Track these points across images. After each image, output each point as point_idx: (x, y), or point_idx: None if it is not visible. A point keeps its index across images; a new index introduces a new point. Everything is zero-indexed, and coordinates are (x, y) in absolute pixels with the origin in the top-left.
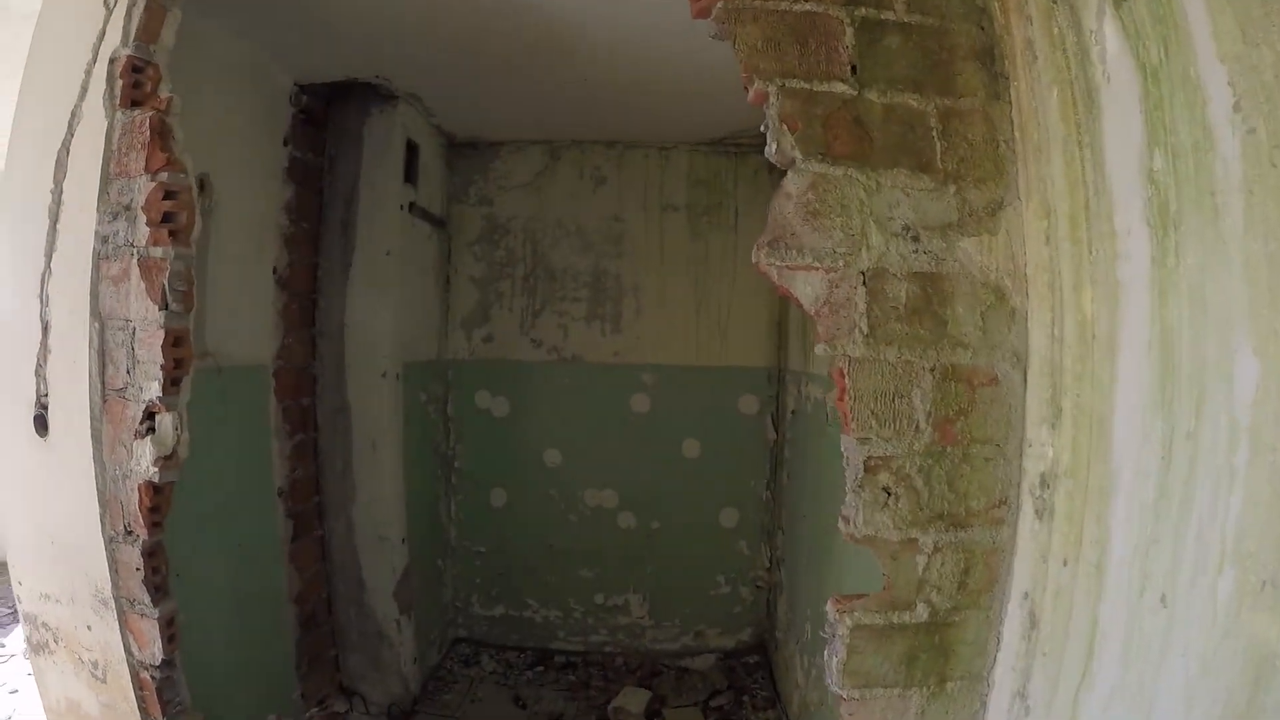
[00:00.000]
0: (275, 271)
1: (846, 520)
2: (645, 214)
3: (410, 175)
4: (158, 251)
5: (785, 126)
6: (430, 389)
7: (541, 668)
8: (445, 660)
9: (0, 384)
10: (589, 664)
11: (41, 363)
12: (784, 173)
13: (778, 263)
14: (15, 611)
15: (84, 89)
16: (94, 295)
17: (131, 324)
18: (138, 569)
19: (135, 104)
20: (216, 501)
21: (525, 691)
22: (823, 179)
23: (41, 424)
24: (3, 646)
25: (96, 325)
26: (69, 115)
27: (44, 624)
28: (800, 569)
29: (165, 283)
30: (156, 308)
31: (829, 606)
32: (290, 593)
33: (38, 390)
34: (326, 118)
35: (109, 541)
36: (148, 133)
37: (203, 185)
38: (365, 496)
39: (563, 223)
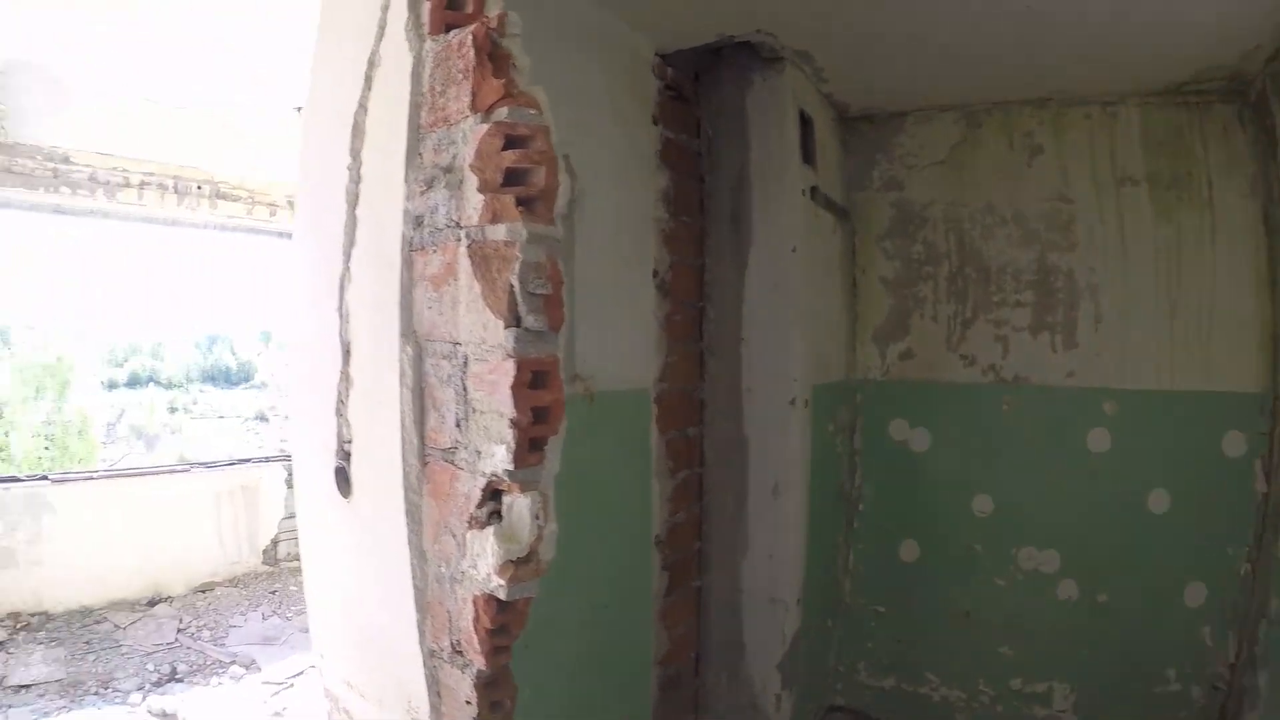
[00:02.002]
0: (656, 275)
1: None
2: (1097, 190)
3: (808, 155)
4: (499, 232)
5: None
6: (838, 417)
7: None
8: None
9: (303, 418)
10: None
11: (342, 398)
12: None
13: None
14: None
15: (382, 27)
16: (404, 305)
17: (461, 349)
18: (468, 702)
19: (450, 28)
20: (583, 557)
21: None
22: None
23: (343, 479)
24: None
25: (409, 350)
26: (365, 64)
27: (346, 710)
28: None
29: (515, 282)
30: (500, 324)
31: None
32: (656, 655)
33: (339, 434)
34: (695, 92)
35: (429, 655)
36: (471, 54)
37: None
38: (760, 550)
39: (994, 207)
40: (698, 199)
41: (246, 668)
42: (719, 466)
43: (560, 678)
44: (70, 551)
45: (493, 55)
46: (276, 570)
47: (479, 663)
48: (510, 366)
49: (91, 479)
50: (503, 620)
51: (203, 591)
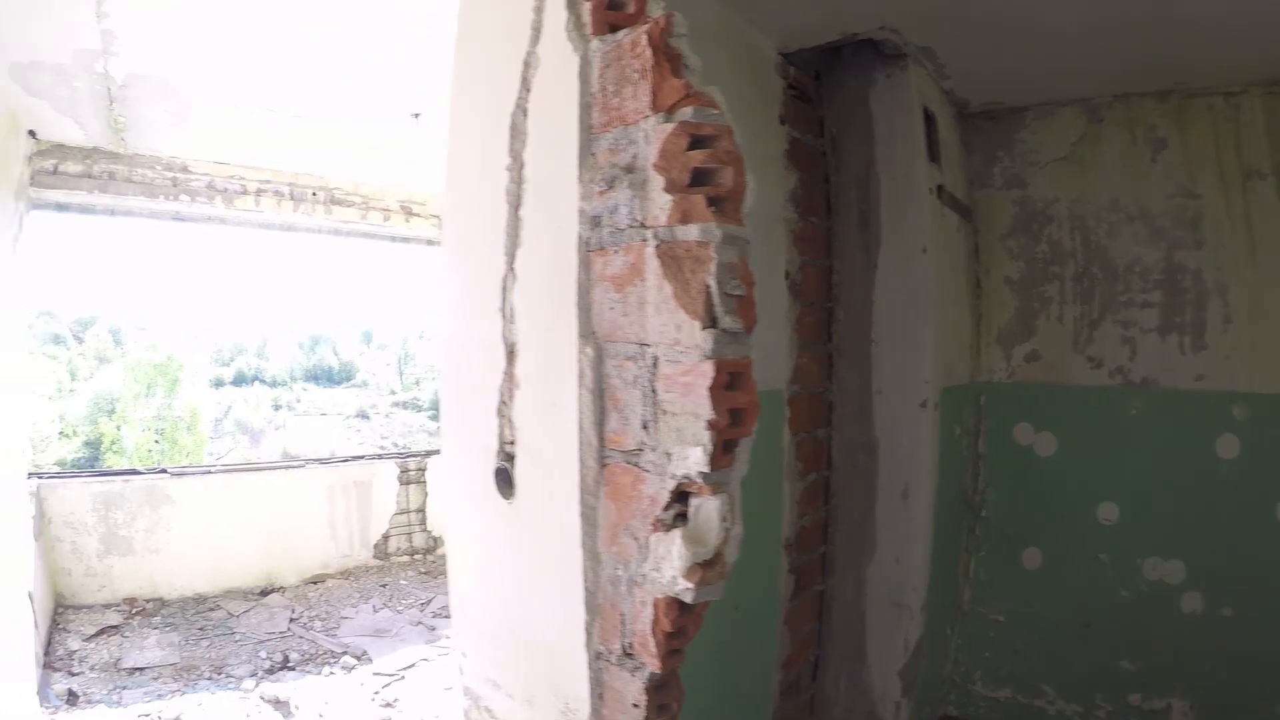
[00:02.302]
0: (787, 276)
1: None
2: (1223, 185)
3: (933, 153)
4: (690, 232)
5: None
6: (964, 420)
7: None
8: None
9: (456, 418)
10: None
11: (505, 399)
12: None
13: None
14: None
15: (536, 30)
16: (582, 306)
17: (650, 350)
18: (635, 705)
19: (614, 28)
20: None
21: None
22: None
23: (505, 480)
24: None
25: (589, 352)
26: (520, 66)
27: (487, 709)
28: None
29: (711, 283)
30: (697, 325)
31: None
32: (780, 658)
33: (500, 435)
34: (818, 92)
35: (594, 658)
36: (648, 53)
37: None
38: (886, 554)
39: (1119, 204)
40: (824, 199)
41: (358, 659)
42: (846, 469)
43: (693, 683)
44: (186, 541)
45: (666, 51)
46: (387, 564)
47: (653, 665)
48: (708, 368)
49: (209, 473)
50: (682, 623)
51: (314, 583)
